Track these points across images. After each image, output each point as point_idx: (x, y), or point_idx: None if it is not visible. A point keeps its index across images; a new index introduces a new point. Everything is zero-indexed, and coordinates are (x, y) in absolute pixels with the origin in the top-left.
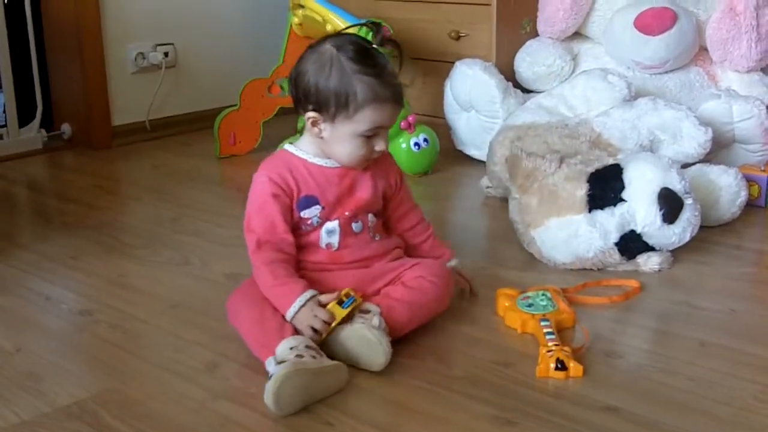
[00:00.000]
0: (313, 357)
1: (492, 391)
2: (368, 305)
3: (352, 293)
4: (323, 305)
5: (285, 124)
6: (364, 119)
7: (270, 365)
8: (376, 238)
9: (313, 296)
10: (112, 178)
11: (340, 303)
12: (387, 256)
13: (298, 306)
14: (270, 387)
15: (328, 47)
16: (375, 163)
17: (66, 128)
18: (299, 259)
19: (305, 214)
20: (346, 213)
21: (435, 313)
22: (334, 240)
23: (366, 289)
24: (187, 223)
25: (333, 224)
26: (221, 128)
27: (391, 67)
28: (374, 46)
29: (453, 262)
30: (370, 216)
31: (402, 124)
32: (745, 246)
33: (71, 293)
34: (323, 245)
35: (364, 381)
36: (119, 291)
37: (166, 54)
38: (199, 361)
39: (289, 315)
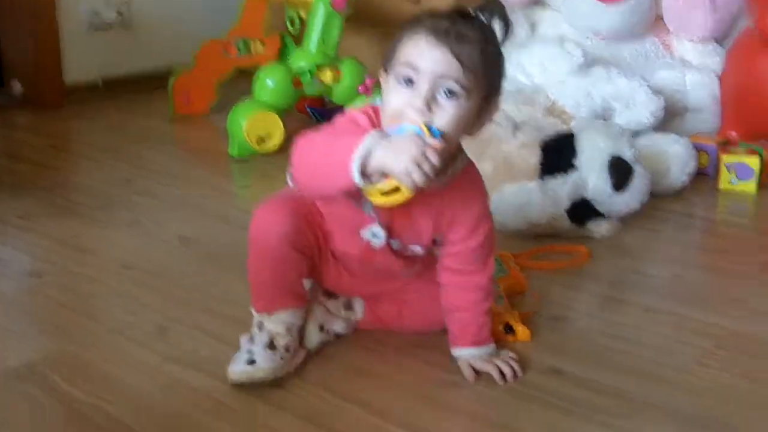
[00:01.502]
0: (286, 350)
1: (440, 353)
2: (355, 303)
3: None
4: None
5: (241, 85)
6: (401, 53)
7: (243, 342)
8: (408, 273)
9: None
10: (64, 138)
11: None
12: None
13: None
14: (229, 373)
15: None
16: (453, 195)
17: (15, 85)
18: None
19: (367, 232)
20: (403, 237)
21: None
22: (377, 242)
23: (368, 291)
24: (140, 183)
25: (380, 230)
26: (176, 88)
27: (468, 25)
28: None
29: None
30: (417, 248)
31: (360, 87)
32: (693, 214)
33: (22, 254)
34: (365, 237)
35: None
36: (71, 252)
37: (120, 12)
38: (152, 324)
39: (361, 150)
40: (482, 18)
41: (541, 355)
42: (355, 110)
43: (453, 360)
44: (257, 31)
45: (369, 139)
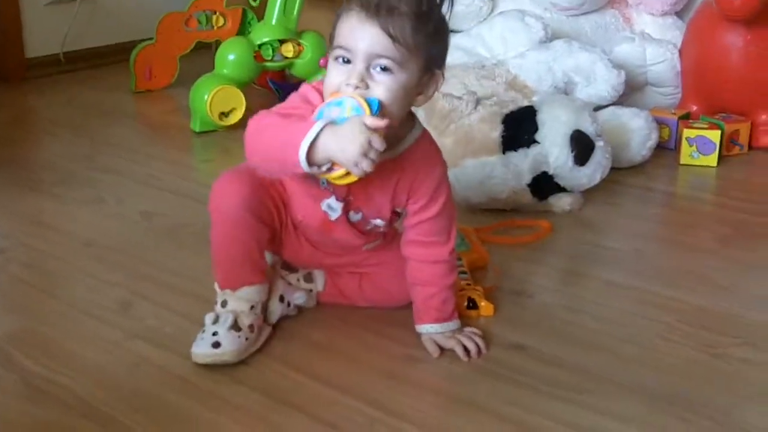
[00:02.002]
0: (251, 330)
1: (404, 328)
2: (316, 274)
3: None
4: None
5: (202, 58)
6: (338, 32)
7: (208, 320)
8: (369, 246)
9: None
10: (25, 112)
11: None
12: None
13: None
14: (194, 355)
15: None
16: (408, 165)
17: None
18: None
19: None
20: (352, 211)
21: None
22: (333, 215)
23: (329, 263)
24: (102, 159)
25: (337, 204)
26: (137, 62)
27: None
28: None
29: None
30: (379, 221)
31: (321, 61)
32: (654, 188)
33: None
34: (323, 208)
35: (282, 321)
36: (33, 229)
37: None
38: (114, 301)
39: (306, 143)
40: None
41: (504, 330)
42: (307, 86)
43: (418, 336)
44: (218, 4)
45: (314, 128)
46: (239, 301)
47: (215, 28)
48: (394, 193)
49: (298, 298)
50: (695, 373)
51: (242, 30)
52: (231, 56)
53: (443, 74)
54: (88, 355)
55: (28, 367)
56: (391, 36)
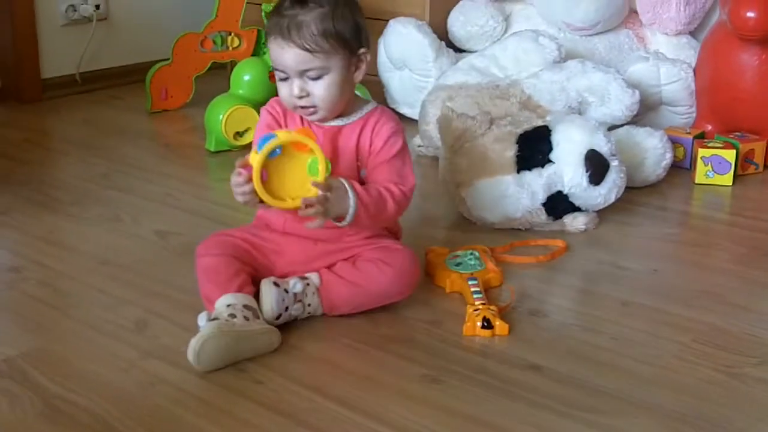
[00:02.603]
0: (246, 318)
1: (420, 349)
2: (309, 274)
3: (277, 132)
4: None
5: (217, 79)
6: (270, 54)
7: (201, 320)
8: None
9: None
10: (41, 132)
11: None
12: (359, 233)
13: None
14: (192, 344)
15: None
16: (366, 125)
17: None
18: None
19: None
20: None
21: (382, 300)
22: None
23: (322, 261)
24: (117, 178)
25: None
26: (153, 82)
27: (304, 7)
28: None
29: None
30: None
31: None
32: (669, 207)
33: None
34: None
35: (294, 339)
36: (49, 248)
37: (97, 6)
38: (129, 320)
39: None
40: None
41: (520, 350)
42: (269, 102)
43: (433, 356)
44: (233, 25)
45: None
46: (217, 308)
47: (230, 48)
48: (357, 150)
49: (294, 284)
50: (712, 393)
51: (257, 50)
52: (246, 76)
53: (368, 52)
54: (104, 374)
55: (44, 385)
56: (308, 50)
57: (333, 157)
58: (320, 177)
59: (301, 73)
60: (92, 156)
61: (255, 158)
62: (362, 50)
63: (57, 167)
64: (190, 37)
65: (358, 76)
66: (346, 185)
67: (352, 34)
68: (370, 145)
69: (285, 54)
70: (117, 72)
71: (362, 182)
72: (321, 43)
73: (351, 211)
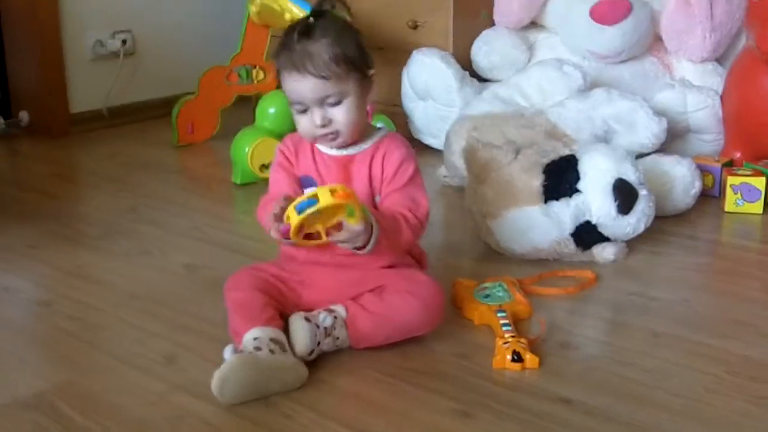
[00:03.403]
0: (272, 352)
1: (449, 382)
2: (335, 306)
3: (318, 195)
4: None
5: (243, 112)
6: (284, 89)
7: (227, 353)
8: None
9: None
10: (70, 166)
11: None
12: (387, 259)
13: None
14: (216, 377)
15: None
16: (377, 151)
17: (24, 116)
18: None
19: (306, 192)
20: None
21: (408, 332)
22: None
23: (347, 293)
24: (145, 212)
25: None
26: (179, 116)
27: (312, 39)
28: (315, 10)
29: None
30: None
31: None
32: (699, 236)
33: (29, 283)
34: None
35: (322, 373)
36: (78, 281)
37: (124, 41)
38: (158, 353)
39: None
40: (323, 12)
41: (550, 383)
42: (278, 148)
43: (463, 390)
44: (258, 58)
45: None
46: (248, 341)
47: (255, 81)
48: (370, 177)
49: (324, 318)
50: (745, 425)
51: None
52: (271, 109)
53: (373, 71)
54: (132, 407)
55: (73, 418)
56: (324, 77)
57: (346, 185)
58: (356, 221)
59: (321, 102)
60: (120, 190)
61: (294, 218)
62: (371, 72)
63: (85, 201)
64: (215, 71)
65: (370, 97)
66: (369, 215)
67: (359, 57)
68: (383, 173)
69: (302, 86)
70: (144, 106)
71: (376, 207)
72: (334, 69)
73: (373, 240)
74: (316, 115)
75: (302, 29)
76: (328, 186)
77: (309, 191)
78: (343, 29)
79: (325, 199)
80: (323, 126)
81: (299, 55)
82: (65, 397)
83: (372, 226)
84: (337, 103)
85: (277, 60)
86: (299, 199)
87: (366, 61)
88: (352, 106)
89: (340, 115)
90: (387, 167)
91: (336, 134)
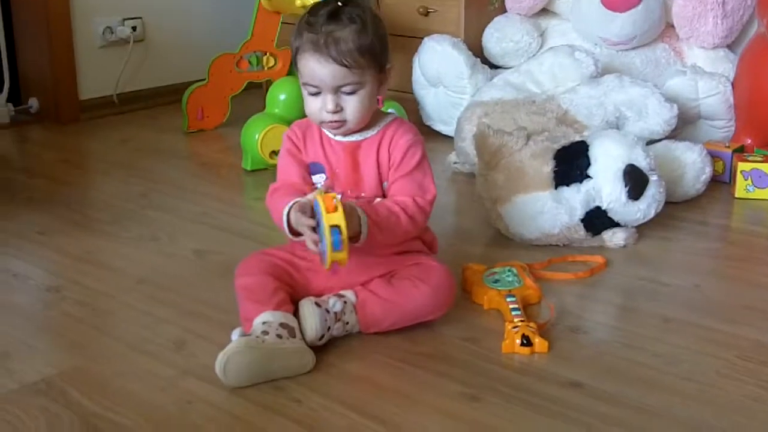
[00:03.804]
0: (279, 336)
1: (458, 366)
2: (345, 291)
3: (338, 224)
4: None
5: (253, 98)
6: (300, 69)
7: (234, 336)
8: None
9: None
10: (79, 153)
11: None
12: (392, 247)
13: (286, 213)
14: (219, 359)
15: None
16: (384, 137)
17: (33, 102)
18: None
19: (314, 178)
20: (349, 191)
21: (418, 317)
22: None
23: (358, 278)
24: (155, 198)
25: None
26: (189, 103)
27: (339, 23)
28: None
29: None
30: (378, 200)
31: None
32: (709, 222)
33: (39, 270)
34: None
35: (332, 358)
36: (87, 267)
37: (134, 28)
38: (167, 339)
39: (284, 224)
40: None
41: (560, 367)
42: (285, 135)
43: (472, 374)
44: (269, 45)
45: (285, 211)
46: (257, 326)
47: (266, 68)
48: (378, 163)
49: (334, 304)
50: (757, 409)
51: (292, 70)
52: (281, 96)
53: (391, 65)
54: (142, 392)
55: (83, 404)
56: (346, 66)
57: (354, 172)
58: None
59: (337, 89)
60: (130, 176)
61: (339, 255)
62: (389, 65)
63: (95, 187)
64: (225, 58)
65: (383, 90)
66: (358, 210)
67: (381, 50)
68: (390, 158)
69: (323, 69)
70: (154, 93)
71: (385, 194)
72: (358, 59)
73: (364, 231)
74: (329, 101)
75: (331, 12)
76: (333, 202)
77: (322, 219)
78: (371, 18)
79: (342, 220)
80: (334, 112)
81: (324, 38)
82: (75, 382)
83: (361, 219)
84: (353, 92)
85: (298, 39)
86: (327, 239)
87: (387, 54)
88: (366, 97)
89: (352, 105)
90: (394, 153)
91: (343, 122)
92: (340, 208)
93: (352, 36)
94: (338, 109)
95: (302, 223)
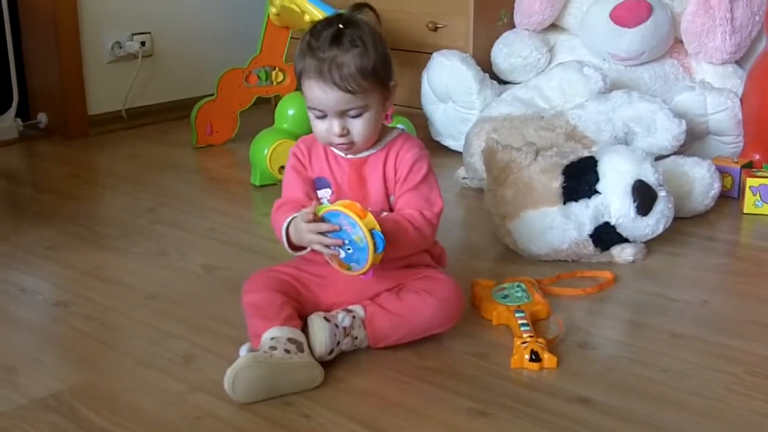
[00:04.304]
0: (287, 351)
1: (466, 382)
2: (353, 306)
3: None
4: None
5: (262, 114)
6: (305, 93)
7: (242, 351)
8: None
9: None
10: (88, 168)
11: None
12: (400, 260)
13: (285, 228)
14: (227, 374)
15: None
16: (390, 152)
17: (42, 117)
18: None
19: (319, 193)
20: (357, 205)
21: (426, 331)
22: None
23: (366, 292)
24: (163, 213)
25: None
26: (198, 118)
27: (341, 48)
28: (346, 17)
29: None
30: (385, 214)
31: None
32: (718, 237)
33: (47, 284)
34: None
35: (340, 372)
36: (95, 282)
37: (142, 43)
38: (176, 353)
39: (283, 239)
40: (354, 20)
41: (568, 383)
42: (291, 151)
43: (479, 389)
44: (278, 60)
45: (284, 227)
46: (265, 341)
47: (275, 83)
48: (384, 178)
49: (343, 318)
50: (765, 425)
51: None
52: (290, 111)
53: (394, 82)
54: (150, 407)
55: (91, 419)
56: (350, 91)
57: (360, 186)
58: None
59: (342, 113)
60: (138, 191)
61: (373, 259)
62: (393, 83)
63: (103, 202)
64: (234, 73)
65: (389, 105)
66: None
67: (384, 70)
68: (396, 173)
69: (327, 96)
70: (162, 108)
71: (392, 208)
72: (361, 83)
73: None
74: (336, 125)
75: (333, 36)
76: (358, 206)
77: (357, 227)
78: (373, 40)
79: (376, 222)
80: (341, 135)
81: (328, 64)
82: (83, 398)
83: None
84: (358, 115)
85: (301, 62)
86: (370, 242)
87: (390, 72)
88: (371, 118)
89: (359, 127)
90: (400, 168)
91: (351, 144)
92: (367, 211)
93: (355, 60)
94: (345, 132)
95: (315, 229)
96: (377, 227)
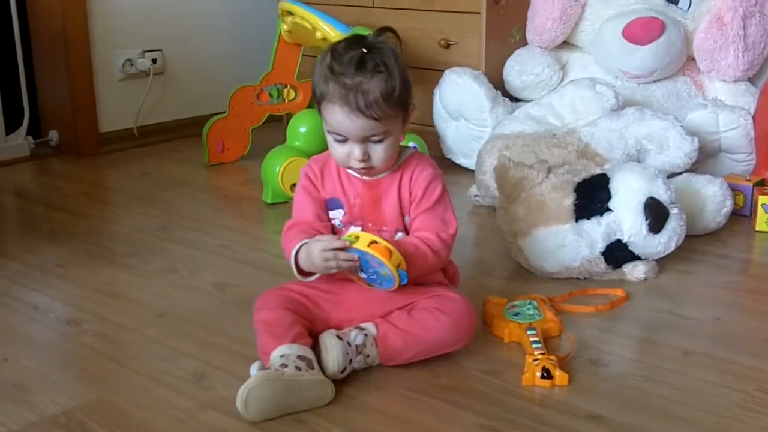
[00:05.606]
0: (298, 368)
1: (478, 399)
2: (365, 324)
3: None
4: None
5: (274, 131)
6: (326, 117)
7: (253, 370)
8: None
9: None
10: (99, 186)
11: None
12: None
13: (295, 251)
14: (240, 393)
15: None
16: (405, 172)
17: (53, 135)
18: None
19: (331, 214)
20: (370, 225)
21: (438, 349)
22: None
23: (378, 310)
24: (175, 231)
25: (356, 229)
26: (210, 135)
27: (366, 74)
28: (370, 41)
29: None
30: (400, 234)
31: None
32: (730, 255)
33: (59, 302)
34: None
35: (351, 390)
36: (107, 300)
37: (154, 60)
38: (187, 371)
39: (292, 262)
40: (377, 45)
41: (580, 400)
42: (302, 172)
43: (490, 406)
44: (289, 77)
45: (293, 252)
46: (275, 359)
47: (286, 101)
48: (399, 197)
49: (356, 336)
50: None
51: (313, 103)
52: (302, 128)
53: (413, 106)
54: (161, 425)
55: None
56: (374, 118)
57: (374, 207)
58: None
59: (365, 139)
60: (150, 209)
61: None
62: (411, 106)
63: (115, 220)
64: (246, 90)
65: (406, 128)
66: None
67: (406, 94)
68: (411, 194)
69: (350, 123)
70: (174, 125)
71: (406, 228)
72: (386, 110)
73: None
74: (357, 150)
75: (357, 62)
76: (382, 246)
77: (384, 266)
78: (396, 65)
79: (402, 259)
80: (362, 161)
81: (353, 91)
82: (94, 415)
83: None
84: (380, 141)
85: (323, 86)
86: (396, 280)
87: (411, 96)
88: (393, 142)
89: (380, 153)
90: (415, 188)
91: (371, 168)
92: (393, 249)
93: (380, 87)
94: (366, 158)
95: (343, 258)
96: (403, 265)
